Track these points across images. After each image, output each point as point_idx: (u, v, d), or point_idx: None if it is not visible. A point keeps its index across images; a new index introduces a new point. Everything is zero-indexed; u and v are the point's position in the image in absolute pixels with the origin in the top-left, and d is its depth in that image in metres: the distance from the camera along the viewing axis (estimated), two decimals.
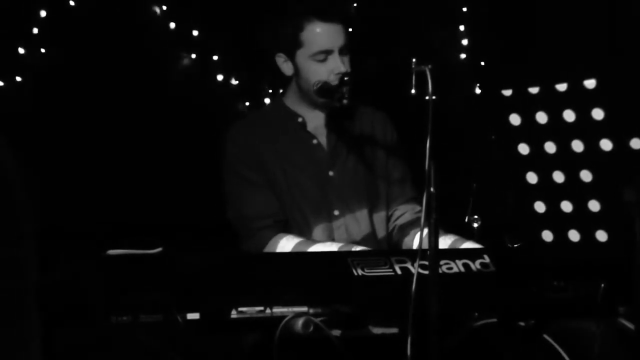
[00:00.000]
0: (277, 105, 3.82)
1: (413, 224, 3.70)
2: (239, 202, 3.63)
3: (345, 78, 3.61)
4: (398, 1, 5.53)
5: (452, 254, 2.98)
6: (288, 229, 3.59)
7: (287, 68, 3.70)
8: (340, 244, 3.47)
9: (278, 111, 3.78)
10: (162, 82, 5.29)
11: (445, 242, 3.42)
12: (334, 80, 3.62)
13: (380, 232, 3.74)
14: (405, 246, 3.68)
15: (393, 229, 3.76)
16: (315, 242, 3.52)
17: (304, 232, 3.62)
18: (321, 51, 3.63)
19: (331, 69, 3.63)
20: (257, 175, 3.64)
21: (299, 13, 3.66)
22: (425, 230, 2.74)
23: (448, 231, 3.47)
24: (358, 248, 3.39)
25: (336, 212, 3.68)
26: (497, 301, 2.97)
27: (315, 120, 3.75)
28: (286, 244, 3.49)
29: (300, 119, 3.73)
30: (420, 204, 2.79)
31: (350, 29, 3.76)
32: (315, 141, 3.73)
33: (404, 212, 3.75)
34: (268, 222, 3.58)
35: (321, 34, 3.64)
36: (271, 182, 3.65)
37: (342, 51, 3.64)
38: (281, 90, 3.86)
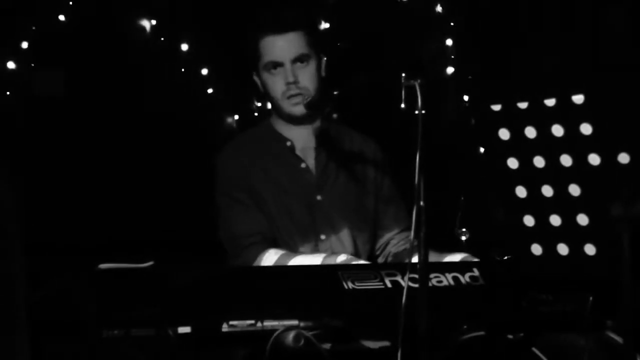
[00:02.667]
0: (265, 126, 3.83)
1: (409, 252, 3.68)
2: (229, 222, 3.64)
3: (335, 92, 3.63)
4: (385, 16, 5.55)
5: (442, 267, 2.99)
6: (276, 247, 3.60)
7: (260, 86, 3.74)
8: (324, 254, 3.47)
9: (266, 133, 3.79)
10: (151, 96, 5.29)
11: (454, 258, 3.42)
12: (290, 90, 3.63)
13: (364, 254, 3.74)
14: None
15: (386, 259, 3.77)
16: (298, 253, 3.53)
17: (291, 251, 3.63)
18: (270, 61, 3.66)
19: (283, 80, 3.65)
20: (246, 196, 3.65)
21: (255, 28, 3.71)
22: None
23: (439, 245, 3.48)
24: (342, 257, 3.40)
25: (322, 237, 3.68)
26: (486, 314, 2.98)
27: (303, 141, 3.75)
28: (271, 257, 3.50)
29: (289, 143, 3.74)
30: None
31: (316, 36, 3.77)
32: (303, 165, 3.74)
33: (399, 241, 3.76)
34: (255, 239, 3.59)
35: (272, 46, 3.67)
36: (261, 204, 3.66)
37: (298, 60, 3.66)
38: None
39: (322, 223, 3.69)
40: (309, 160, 3.75)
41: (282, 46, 3.66)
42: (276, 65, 3.66)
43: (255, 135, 3.84)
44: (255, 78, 3.76)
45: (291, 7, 3.81)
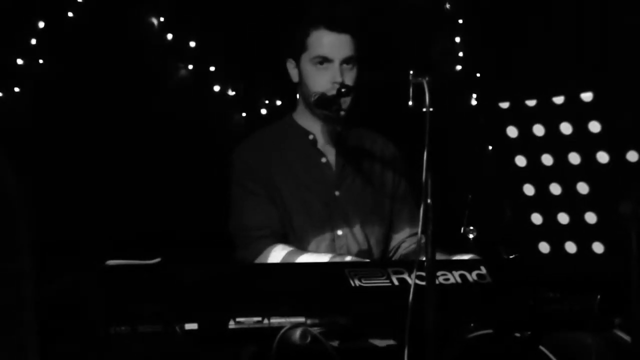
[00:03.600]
0: (287, 121, 3.84)
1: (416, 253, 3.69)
2: (240, 212, 3.65)
3: (343, 90, 3.63)
4: (394, 14, 5.55)
5: (449, 265, 2.99)
6: (286, 243, 3.60)
7: (294, 74, 3.74)
8: (330, 255, 3.48)
9: (289, 127, 3.79)
10: (159, 93, 5.30)
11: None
12: (330, 90, 3.64)
13: (377, 253, 3.74)
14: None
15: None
16: (306, 251, 3.53)
17: (305, 248, 3.62)
18: (320, 56, 3.65)
19: (329, 78, 3.65)
20: (261, 189, 3.65)
21: (309, 19, 3.70)
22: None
23: (447, 242, 3.47)
24: (349, 258, 3.40)
25: (339, 232, 3.69)
26: (493, 312, 2.98)
27: (325, 137, 3.76)
28: (278, 253, 3.50)
29: (311, 136, 3.75)
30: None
31: (362, 41, 3.78)
32: (324, 159, 3.75)
33: (410, 244, 3.77)
34: (265, 233, 3.60)
35: (325, 42, 3.66)
36: (276, 197, 3.66)
37: (346, 62, 3.66)
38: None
39: (338, 219, 3.70)
40: (330, 156, 3.76)
41: (336, 44, 3.66)
42: (325, 61, 3.66)
43: (277, 128, 3.85)
44: (290, 65, 3.75)
45: (347, 7, 3.82)
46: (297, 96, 3.80)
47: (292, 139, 3.76)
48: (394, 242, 3.80)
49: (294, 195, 3.67)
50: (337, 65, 3.65)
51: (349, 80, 3.65)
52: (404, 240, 3.79)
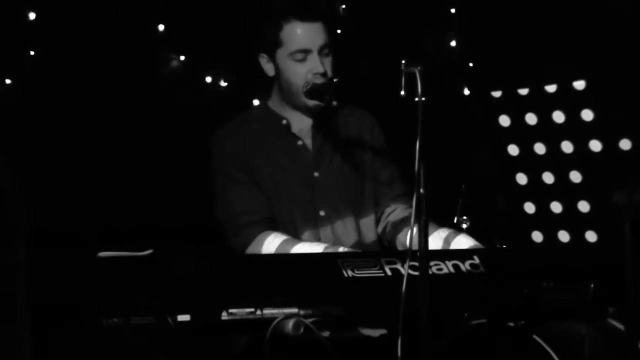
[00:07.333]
0: (261, 108, 3.85)
1: (405, 221, 3.69)
2: (226, 200, 3.64)
3: (335, 80, 3.63)
4: (387, 3, 5.54)
5: (442, 255, 2.99)
6: (275, 229, 3.60)
7: (269, 69, 3.72)
8: (325, 244, 3.48)
9: (263, 114, 3.80)
10: (151, 84, 5.29)
11: (440, 235, 3.43)
12: (316, 79, 3.62)
13: (368, 238, 3.74)
14: (399, 243, 3.69)
15: (385, 227, 3.77)
16: (301, 240, 3.53)
17: (291, 234, 3.63)
18: (299, 50, 3.63)
19: (309, 69, 3.63)
20: (244, 174, 3.65)
21: (278, 12, 3.68)
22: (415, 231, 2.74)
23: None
24: (343, 249, 3.41)
25: (322, 213, 3.69)
26: (487, 302, 2.98)
27: (300, 122, 3.76)
28: (272, 241, 3.50)
29: (284, 121, 3.75)
30: (411, 200, 2.80)
31: (334, 28, 3.76)
32: (300, 142, 3.75)
33: (395, 209, 3.75)
34: (255, 218, 3.60)
35: (299, 34, 3.64)
36: (259, 181, 3.66)
37: (321, 51, 3.64)
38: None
39: (320, 200, 3.70)
40: (306, 140, 3.76)
41: (311, 33, 3.64)
42: (304, 53, 3.64)
43: (251, 116, 3.86)
44: (262, 60, 3.73)
45: None
46: (273, 86, 3.78)
47: (266, 124, 3.76)
48: (379, 210, 3.78)
49: (275, 180, 3.68)
50: (316, 55, 3.63)
51: (328, 68, 3.64)
52: (388, 205, 3.75)
